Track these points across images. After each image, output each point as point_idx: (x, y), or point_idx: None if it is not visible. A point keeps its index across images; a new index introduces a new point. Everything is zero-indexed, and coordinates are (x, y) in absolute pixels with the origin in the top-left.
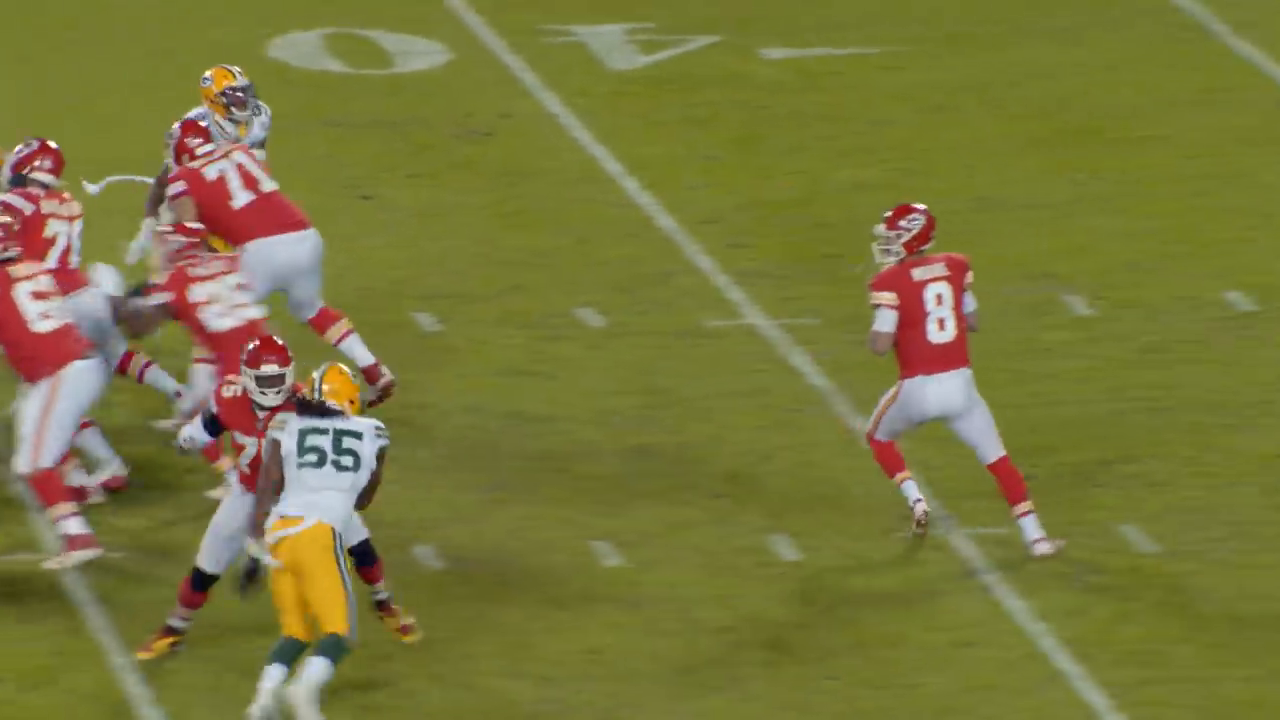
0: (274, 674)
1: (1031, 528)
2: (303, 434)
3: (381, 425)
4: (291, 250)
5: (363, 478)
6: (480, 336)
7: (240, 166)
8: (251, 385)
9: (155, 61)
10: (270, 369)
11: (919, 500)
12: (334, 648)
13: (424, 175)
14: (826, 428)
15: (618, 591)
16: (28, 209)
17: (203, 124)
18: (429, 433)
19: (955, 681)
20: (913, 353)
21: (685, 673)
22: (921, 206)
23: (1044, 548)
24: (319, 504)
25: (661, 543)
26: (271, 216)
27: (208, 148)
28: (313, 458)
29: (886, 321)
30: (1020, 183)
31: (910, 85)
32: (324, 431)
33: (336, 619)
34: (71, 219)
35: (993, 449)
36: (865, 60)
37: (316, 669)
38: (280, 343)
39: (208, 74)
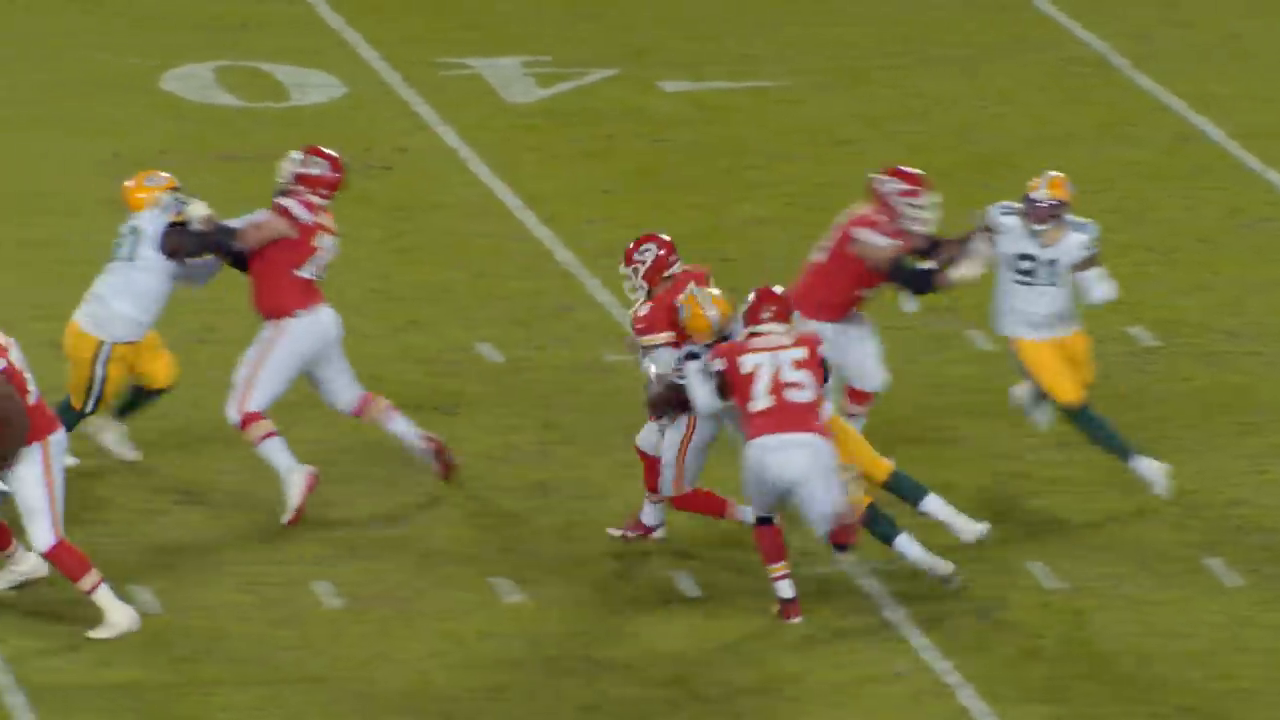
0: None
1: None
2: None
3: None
4: None
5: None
6: (377, 373)
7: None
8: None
9: (47, 92)
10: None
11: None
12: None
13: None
14: (724, 463)
15: (518, 629)
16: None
17: (893, 190)
18: (326, 470)
19: None
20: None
21: (587, 712)
22: (662, 236)
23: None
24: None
25: (562, 579)
26: None
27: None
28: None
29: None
30: None
31: (809, 118)
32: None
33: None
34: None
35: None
36: (764, 93)
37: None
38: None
39: (1052, 182)
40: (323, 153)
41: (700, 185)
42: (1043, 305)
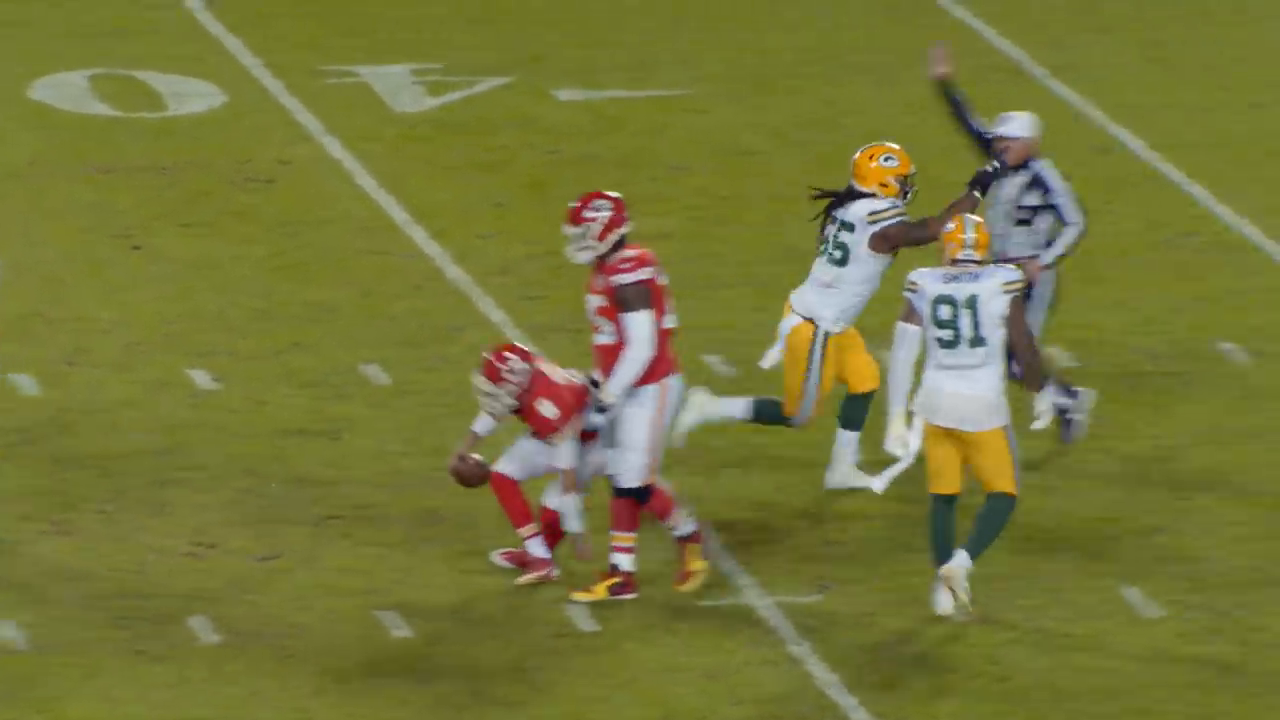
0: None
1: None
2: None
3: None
4: None
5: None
6: (259, 396)
7: None
8: None
9: None
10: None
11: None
12: None
13: (198, 224)
14: None
15: (407, 665)
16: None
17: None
18: (205, 497)
19: None
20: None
21: None
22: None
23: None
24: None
25: (452, 613)
26: None
27: None
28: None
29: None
30: None
31: (712, 128)
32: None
33: None
34: None
35: None
36: (664, 102)
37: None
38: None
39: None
40: None
41: None
42: None
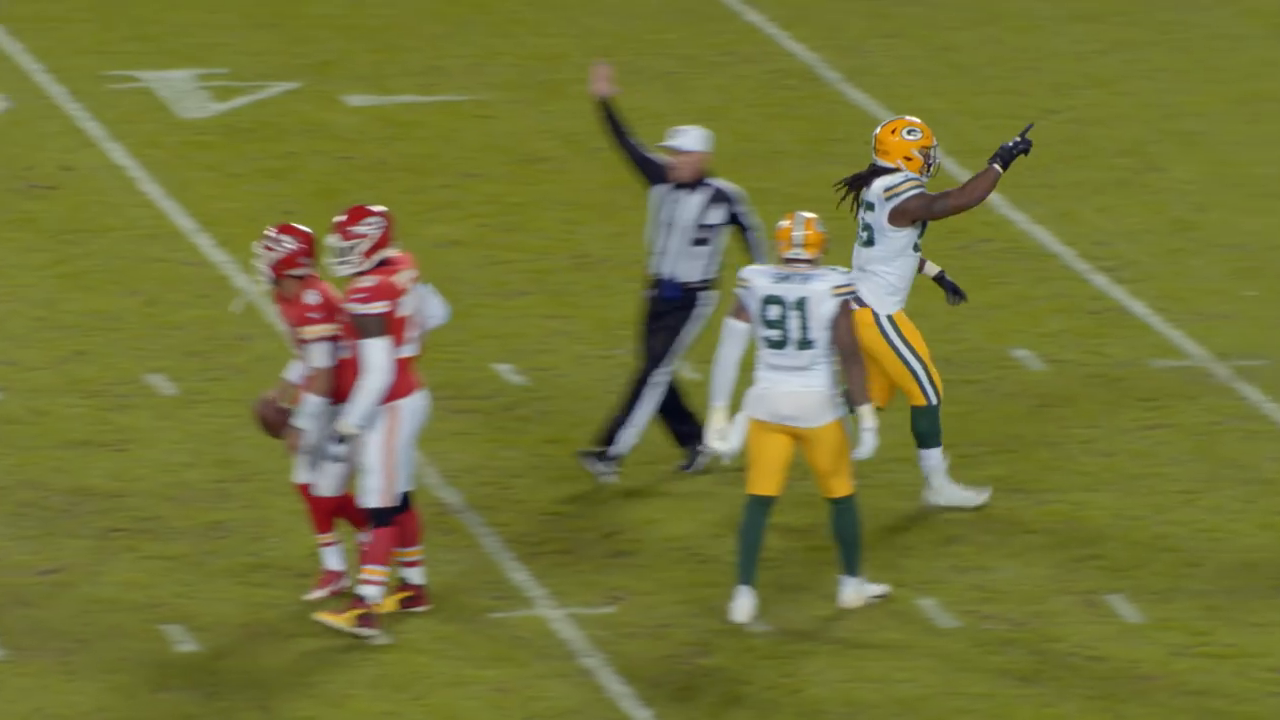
0: None
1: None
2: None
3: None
4: None
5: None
6: (41, 407)
7: None
8: None
9: None
10: None
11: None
12: None
13: None
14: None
15: (193, 680)
16: None
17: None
18: None
19: None
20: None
21: None
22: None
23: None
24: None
25: (239, 626)
26: None
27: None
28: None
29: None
30: (624, 238)
31: (503, 134)
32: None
33: None
34: None
35: None
36: (454, 108)
37: None
38: None
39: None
40: None
41: (387, 205)
42: None
